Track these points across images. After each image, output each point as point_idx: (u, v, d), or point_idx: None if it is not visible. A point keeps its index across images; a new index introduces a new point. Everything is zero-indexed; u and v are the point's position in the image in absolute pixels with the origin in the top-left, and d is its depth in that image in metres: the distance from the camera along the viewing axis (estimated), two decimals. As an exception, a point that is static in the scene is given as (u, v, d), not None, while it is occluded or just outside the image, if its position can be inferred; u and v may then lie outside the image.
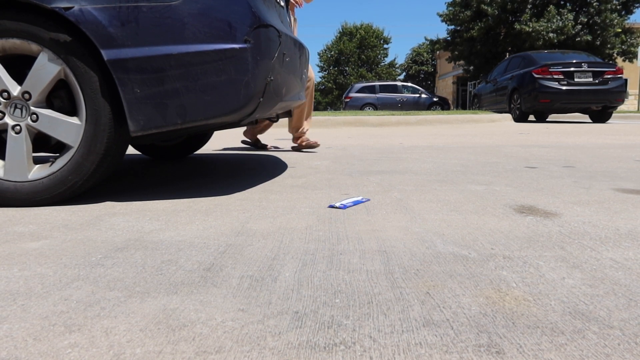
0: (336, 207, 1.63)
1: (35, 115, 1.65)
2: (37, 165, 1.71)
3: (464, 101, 30.70)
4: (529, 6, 21.06)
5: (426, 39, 28.78)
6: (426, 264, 1.05)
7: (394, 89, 18.23)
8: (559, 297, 0.86)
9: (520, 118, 10.13)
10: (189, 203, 1.75)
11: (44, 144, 1.88)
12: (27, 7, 1.58)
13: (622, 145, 4.09)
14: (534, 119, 11.11)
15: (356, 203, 1.69)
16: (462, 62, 25.01)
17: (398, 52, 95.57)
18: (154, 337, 0.72)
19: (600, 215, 1.48)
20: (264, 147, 4.03)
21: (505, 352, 0.67)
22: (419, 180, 2.24)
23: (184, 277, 0.98)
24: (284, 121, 8.60)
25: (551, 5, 20.65)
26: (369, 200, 1.77)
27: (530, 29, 19.99)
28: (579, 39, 20.40)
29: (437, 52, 30.80)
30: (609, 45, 21.08)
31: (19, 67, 1.68)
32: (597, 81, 8.98)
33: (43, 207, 1.68)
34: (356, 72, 38.46)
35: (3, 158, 1.69)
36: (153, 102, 1.59)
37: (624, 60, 22.21)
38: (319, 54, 41.39)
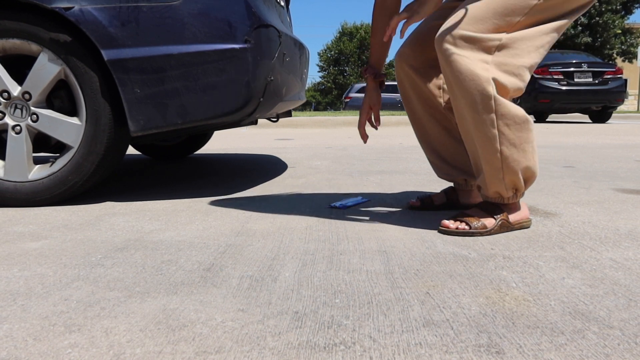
0: (336, 207, 1.63)
1: (35, 116, 1.65)
2: (37, 166, 1.71)
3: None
4: (529, 6, 21.03)
5: None
6: (426, 264, 1.05)
7: (394, 89, 18.21)
8: (558, 297, 0.86)
9: (520, 118, 10.11)
10: (189, 203, 1.75)
11: (44, 144, 1.88)
12: (27, 7, 1.58)
13: (622, 145, 4.09)
14: (534, 119, 11.12)
15: (356, 203, 1.69)
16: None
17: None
18: (154, 337, 0.72)
19: (600, 215, 1.48)
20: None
21: (505, 352, 0.67)
22: (419, 180, 2.24)
23: (184, 277, 0.98)
24: (284, 121, 8.60)
25: None
26: (369, 200, 1.77)
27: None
28: (578, 39, 20.39)
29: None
30: (608, 46, 21.08)
31: (19, 67, 1.69)
32: (597, 81, 8.98)
33: (43, 207, 1.68)
34: (356, 72, 38.46)
35: (3, 158, 1.69)
36: (153, 102, 1.59)
37: (623, 61, 22.22)
38: (319, 54, 41.39)
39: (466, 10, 1.18)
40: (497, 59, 1.17)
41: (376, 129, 1.56)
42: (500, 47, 1.17)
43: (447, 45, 1.18)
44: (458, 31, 1.17)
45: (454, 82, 1.20)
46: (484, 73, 1.16)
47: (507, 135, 1.20)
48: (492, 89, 1.16)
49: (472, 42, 1.16)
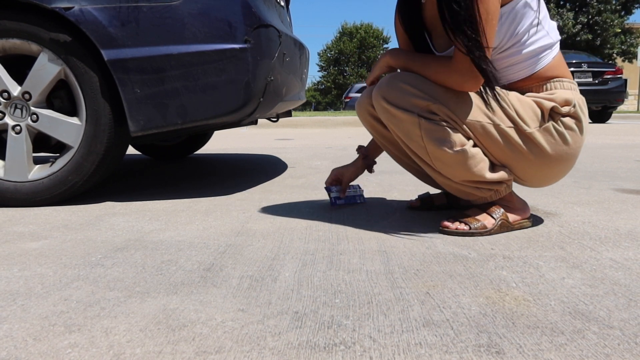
0: (333, 203, 1.64)
1: (35, 116, 1.65)
2: (37, 166, 1.71)
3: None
4: (529, 6, 21.09)
5: None
6: (426, 264, 1.05)
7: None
8: (558, 297, 0.86)
9: (520, 118, 10.10)
10: (189, 203, 1.75)
11: (44, 144, 1.88)
12: (27, 7, 1.58)
13: (622, 145, 4.09)
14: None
15: (354, 202, 1.70)
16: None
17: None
18: (154, 337, 0.72)
19: (600, 215, 1.48)
20: None
21: (505, 352, 0.67)
22: (418, 180, 2.24)
23: (184, 277, 0.98)
24: (284, 121, 8.60)
25: (551, 4, 20.66)
26: (365, 201, 1.77)
27: (530, 29, 20.01)
28: (579, 38, 20.39)
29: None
30: (608, 45, 21.08)
31: (19, 67, 1.69)
32: (596, 81, 8.97)
33: (43, 207, 1.68)
34: (356, 72, 38.47)
35: (3, 158, 1.69)
36: (153, 102, 1.59)
37: (623, 61, 22.22)
38: (319, 54, 41.39)
39: (408, 74, 1.24)
40: (425, 115, 1.21)
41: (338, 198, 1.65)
42: (429, 107, 1.21)
43: (379, 94, 1.24)
44: (393, 83, 1.23)
45: (391, 123, 1.25)
46: (413, 116, 1.20)
47: (441, 159, 1.23)
48: (419, 129, 1.21)
49: (403, 92, 1.21)
